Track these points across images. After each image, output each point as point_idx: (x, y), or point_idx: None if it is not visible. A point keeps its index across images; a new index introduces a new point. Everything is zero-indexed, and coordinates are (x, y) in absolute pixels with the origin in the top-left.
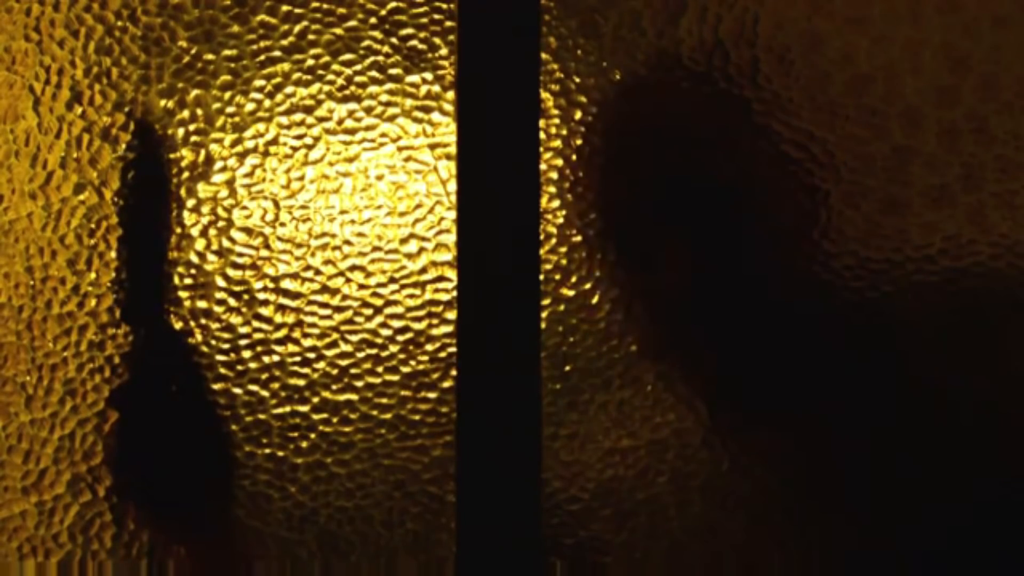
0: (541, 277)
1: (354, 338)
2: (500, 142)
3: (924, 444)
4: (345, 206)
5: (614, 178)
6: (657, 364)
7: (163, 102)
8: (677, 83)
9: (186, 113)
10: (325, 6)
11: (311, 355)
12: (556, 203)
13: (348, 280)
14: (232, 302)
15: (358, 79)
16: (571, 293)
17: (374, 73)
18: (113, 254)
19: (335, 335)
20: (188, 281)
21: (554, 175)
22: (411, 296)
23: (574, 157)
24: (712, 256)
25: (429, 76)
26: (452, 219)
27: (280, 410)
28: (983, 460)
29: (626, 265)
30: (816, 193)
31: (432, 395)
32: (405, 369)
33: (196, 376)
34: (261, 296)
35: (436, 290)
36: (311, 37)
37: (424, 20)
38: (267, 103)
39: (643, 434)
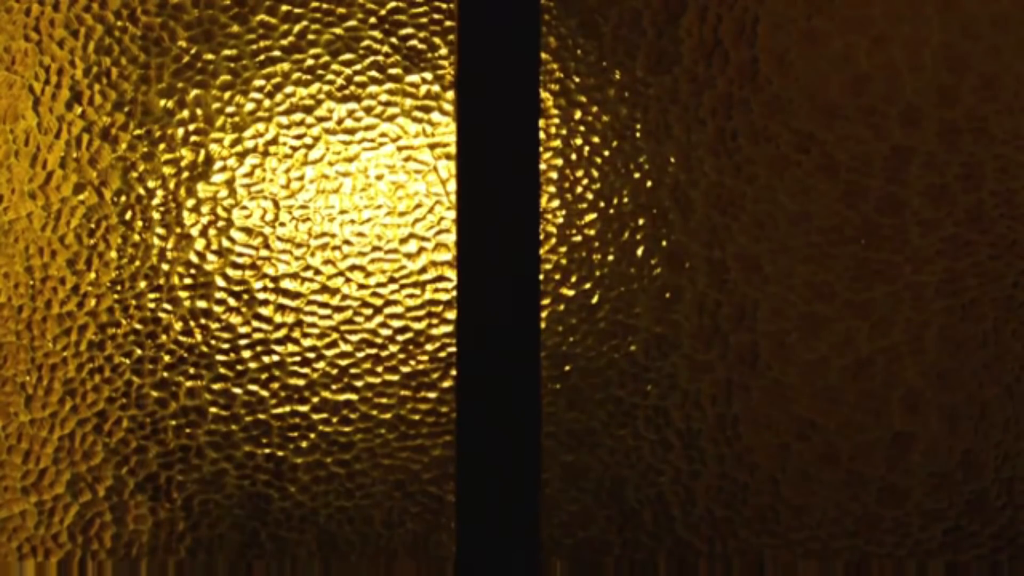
0: (541, 277)
1: (354, 338)
2: (500, 142)
3: None
4: (345, 206)
5: None
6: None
7: (163, 102)
8: None
9: (186, 113)
10: (325, 6)
11: (311, 355)
12: (556, 203)
13: (348, 280)
14: (232, 302)
15: (358, 79)
16: (571, 293)
17: (374, 73)
18: (113, 254)
19: (335, 335)
20: (188, 281)
21: (554, 175)
22: (411, 296)
23: (574, 157)
24: None
25: (429, 76)
26: (452, 219)
27: (280, 410)
28: None
29: None
30: None
31: (432, 395)
32: (405, 369)
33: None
34: (261, 296)
35: (436, 290)
36: (311, 37)
37: (424, 20)
38: (267, 103)
39: (644, 433)
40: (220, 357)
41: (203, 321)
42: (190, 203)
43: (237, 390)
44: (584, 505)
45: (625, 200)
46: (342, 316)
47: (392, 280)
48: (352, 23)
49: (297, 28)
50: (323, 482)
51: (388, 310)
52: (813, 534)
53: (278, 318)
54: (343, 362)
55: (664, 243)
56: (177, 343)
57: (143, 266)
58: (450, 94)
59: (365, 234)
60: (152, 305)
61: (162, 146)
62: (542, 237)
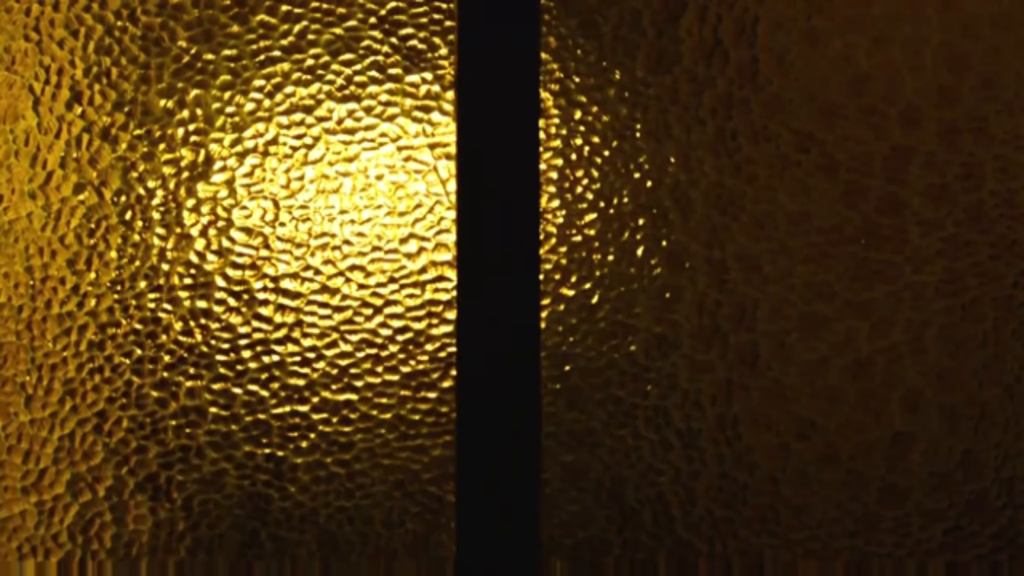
0: (541, 277)
1: (354, 338)
2: (500, 142)
3: None
4: (345, 206)
5: None
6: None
7: (163, 102)
8: None
9: (186, 113)
10: (325, 6)
11: (311, 355)
12: (556, 203)
13: (348, 280)
14: (232, 302)
15: (358, 79)
16: (571, 293)
17: (374, 73)
18: (113, 254)
19: (335, 335)
20: (188, 281)
21: (554, 175)
22: (411, 296)
23: (574, 157)
24: None
25: (429, 76)
26: (452, 219)
27: (280, 410)
28: None
29: None
30: None
31: (432, 395)
32: (405, 369)
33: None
34: (261, 296)
35: (436, 290)
36: (311, 37)
37: (424, 20)
38: (267, 103)
39: (644, 433)
40: (220, 357)
41: (203, 321)
42: (190, 203)
43: (237, 390)
44: (584, 505)
45: (625, 200)
46: (342, 316)
47: (392, 280)
48: (352, 23)
49: (297, 28)
50: (323, 482)
51: (388, 310)
52: (813, 534)
53: (278, 318)
54: (343, 362)
55: (664, 243)
56: (177, 343)
57: (143, 266)
58: (450, 94)
59: (365, 234)
60: (152, 305)
61: (162, 146)
62: (542, 237)
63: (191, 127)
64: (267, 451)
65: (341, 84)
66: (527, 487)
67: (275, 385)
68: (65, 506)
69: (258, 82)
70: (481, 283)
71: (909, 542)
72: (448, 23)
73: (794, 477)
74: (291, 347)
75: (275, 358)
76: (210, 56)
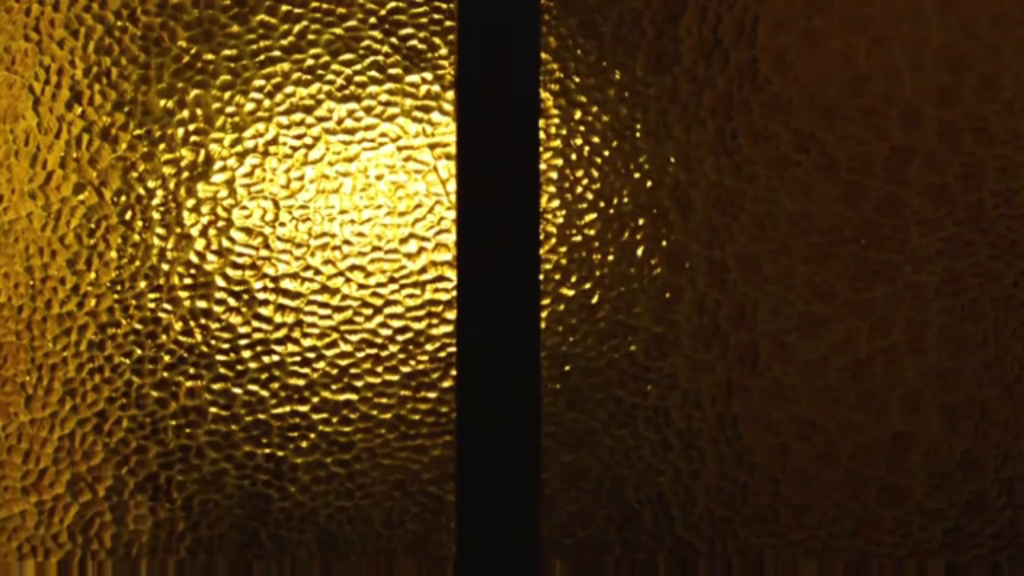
0: (541, 277)
1: (354, 338)
2: (500, 142)
3: None
4: (345, 206)
5: None
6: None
7: (163, 102)
8: None
9: (186, 113)
10: (325, 6)
11: (311, 355)
12: (556, 203)
13: (348, 280)
14: (232, 302)
15: (358, 79)
16: (571, 293)
17: (374, 73)
18: (113, 254)
19: (335, 335)
20: (188, 281)
21: (554, 175)
22: (411, 296)
23: (574, 157)
24: None
25: (429, 76)
26: (452, 219)
27: (280, 410)
28: None
29: None
30: None
31: (432, 395)
32: (405, 369)
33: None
34: (261, 296)
35: (436, 290)
36: (311, 37)
37: (424, 20)
38: (267, 103)
39: (644, 433)
40: (220, 357)
41: (203, 321)
42: (190, 203)
43: (237, 390)
44: (584, 505)
45: (625, 200)
46: (342, 316)
47: (392, 280)
48: (352, 23)
49: (297, 28)
50: (323, 482)
51: (388, 310)
52: (813, 534)
53: (278, 318)
54: (343, 362)
55: (664, 243)
56: (177, 343)
57: (143, 266)
58: (450, 94)
59: (365, 234)
60: (152, 305)
61: (162, 146)
62: (542, 237)
63: (191, 127)
64: (267, 451)
65: (341, 84)
66: (527, 487)
67: (275, 385)
68: (65, 506)
69: (258, 82)
70: (481, 283)
71: (909, 542)
72: (448, 23)
73: (794, 477)
74: (291, 347)
75: (275, 358)
76: (210, 56)
